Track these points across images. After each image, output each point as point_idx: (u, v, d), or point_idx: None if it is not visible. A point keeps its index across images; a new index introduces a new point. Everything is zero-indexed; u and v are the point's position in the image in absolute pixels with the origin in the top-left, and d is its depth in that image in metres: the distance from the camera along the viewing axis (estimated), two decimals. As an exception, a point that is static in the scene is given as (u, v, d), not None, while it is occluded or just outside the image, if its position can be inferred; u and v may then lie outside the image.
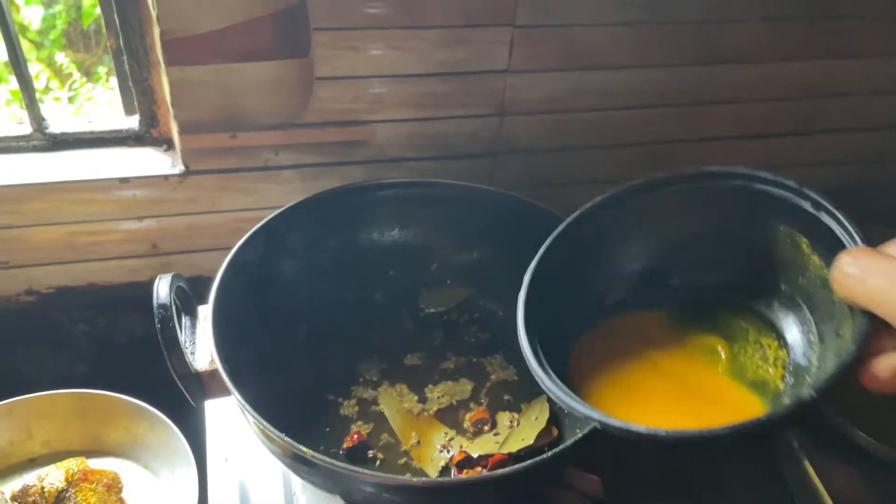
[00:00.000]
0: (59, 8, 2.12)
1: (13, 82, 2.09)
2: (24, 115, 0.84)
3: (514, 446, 0.66)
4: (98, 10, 2.32)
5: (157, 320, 0.60)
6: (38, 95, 2.25)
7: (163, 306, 0.60)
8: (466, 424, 0.72)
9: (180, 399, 0.80)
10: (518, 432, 0.68)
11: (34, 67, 2.13)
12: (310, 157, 0.86)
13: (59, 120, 0.86)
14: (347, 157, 0.87)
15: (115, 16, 0.79)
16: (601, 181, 0.93)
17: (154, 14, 0.73)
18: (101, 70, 2.22)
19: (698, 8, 0.86)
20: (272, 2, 0.74)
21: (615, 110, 0.90)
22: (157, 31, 0.75)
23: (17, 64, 0.80)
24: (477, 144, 0.90)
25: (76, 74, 2.10)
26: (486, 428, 0.70)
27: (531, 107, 0.88)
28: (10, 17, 0.78)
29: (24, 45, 2.11)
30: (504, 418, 0.72)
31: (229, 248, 0.89)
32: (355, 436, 0.69)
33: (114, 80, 2.30)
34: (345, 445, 0.69)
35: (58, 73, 2.18)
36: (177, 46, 0.75)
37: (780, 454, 0.76)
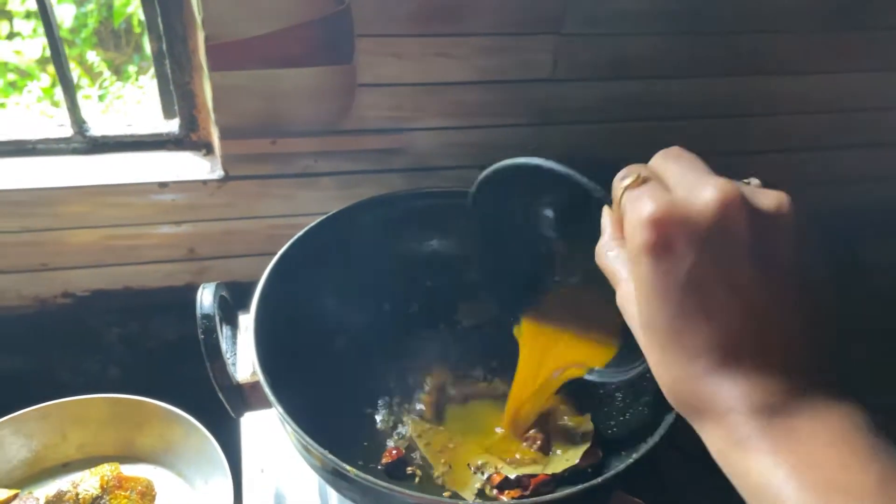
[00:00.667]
0: (90, 7, 2.14)
1: (44, 79, 2.12)
2: (64, 116, 0.84)
3: (558, 467, 0.64)
4: (129, 10, 2.31)
5: (200, 331, 0.59)
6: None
7: (207, 316, 0.60)
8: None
9: (213, 406, 0.80)
10: (562, 452, 0.67)
11: (66, 65, 2.15)
12: (348, 164, 0.85)
13: (99, 122, 0.85)
14: (385, 164, 0.86)
15: (159, 20, 0.78)
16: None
17: (199, 19, 0.73)
18: (131, 69, 2.24)
19: (744, 19, 0.84)
20: (317, 7, 0.74)
21: (658, 121, 0.88)
22: (201, 35, 0.74)
23: (60, 65, 0.80)
24: (516, 153, 0.87)
25: (106, 73, 2.12)
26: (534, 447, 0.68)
27: (573, 116, 0.86)
28: (55, 21, 0.78)
29: (56, 43, 2.13)
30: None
31: (265, 255, 0.89)
32: (394, 451, 0.68)
33: (144, 79, 2.30)
34: (383, 461, 0.68)
35: (88, 71, 2.20)
36: (220, 51, 0.74)
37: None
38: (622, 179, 0.39)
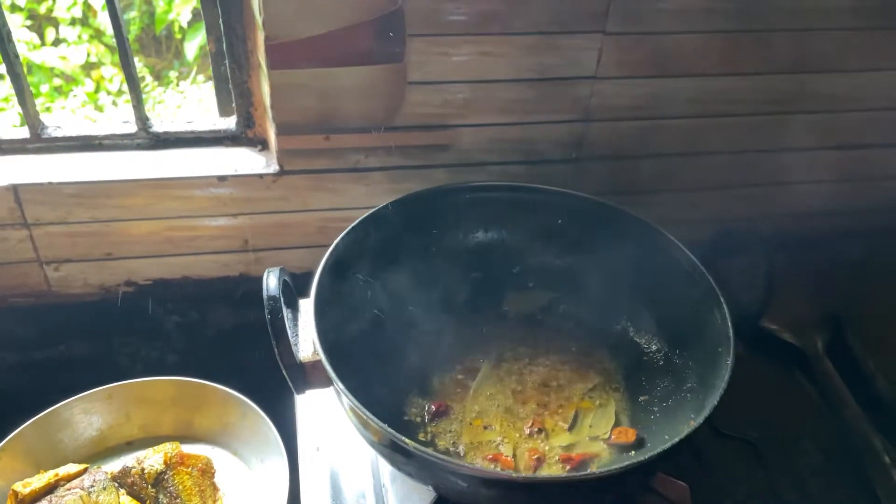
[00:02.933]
0: (133, 14, 2.22)
1: (88, 84, 2.19)
2: (129, 114, 0.88)
3: (581, 434, 0.67)
4: (170, 17, 2.37)
5: (266, 311, 0.63)
6: (112, 99, 2.32)
7: (272, 298, 0.63)
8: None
9: (267, 391, 0.84)
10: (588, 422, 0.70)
11: (108, 70, 2.23)
12: (397, 159, 0.88)
13: (161, 119, 0.90)
14: (432, 160, 0.89)
15: (220, 21, 0.82)
16: (684, 189, 0.94)
17: (259, 20, 0.77)
18: (172, 74, 2.31)
19: (790, 16, 0.85)
20: (371, 8, 0.77)
21: (702, 118, 0.90)
22: (261, 36, 0.78)
23: (127, 65, 0.84)
24: (560, 149, 0.91)
25: (148, 78, 2.19)
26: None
27: (617, 113, 0.88)
28: (124, 25, 0.82)
29: (100, 49, 2.21)
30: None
31: (315, 246, 0.93)
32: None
33: (184, 84, 2.36)
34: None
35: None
36: (279, 51, 0.78)
37: (870, 468, 0.74)
38: None
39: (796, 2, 0.85)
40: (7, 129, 0.87)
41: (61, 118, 2.01)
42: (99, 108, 2.16)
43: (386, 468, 0.73)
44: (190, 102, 2.23)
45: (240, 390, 0.85)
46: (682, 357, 0.74)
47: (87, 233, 0.87)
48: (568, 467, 0.67)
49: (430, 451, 0.58)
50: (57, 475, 0.77)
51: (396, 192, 0.81)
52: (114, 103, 2.22)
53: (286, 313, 0.69)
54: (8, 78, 0.83)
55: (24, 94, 0.84)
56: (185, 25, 2.11)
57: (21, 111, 0.85)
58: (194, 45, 2.08)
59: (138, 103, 0.87)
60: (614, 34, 0.82)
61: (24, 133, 0.87)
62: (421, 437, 0.72)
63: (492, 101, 0.86)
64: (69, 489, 0.76)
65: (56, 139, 0.88)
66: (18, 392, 0.95)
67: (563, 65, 0.84)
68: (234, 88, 0.87)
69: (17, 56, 0.82)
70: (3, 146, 0.87)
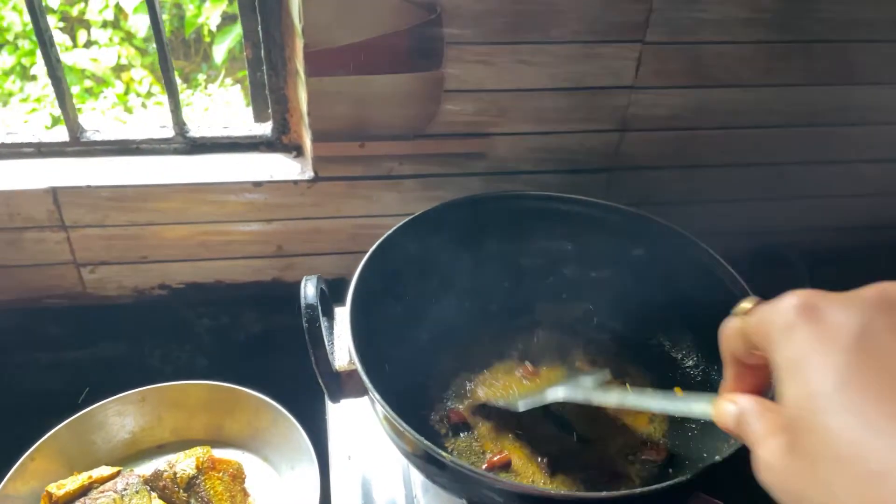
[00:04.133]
0: (163, 17, 2.25)
1: (118, 86, 2.22)
2: (167, 118, 0.89)
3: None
4: (200, 20, 2.40)
5: (304, 320, 0.63)
6: (142, 101, 2.35)
7: (310, 306, 0.63)
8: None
9: (297, 397, 0.84)
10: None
11: (138, 73, 2.26)
12: (431, 167, 0.88)
13: (198, 124, 0.91)
14: (466, 168, 0.89)
15: (259, 28, 0.83)
16: (721, 201, 0.93)
17: (299, 27, 0.77)
18: (200, 77, 2.33)
19: (831, 27, 0.84)
20: (410, 17, 0.77)
21: (741, 129, 0.89)
22: (299, 43, 0.78)
23: (167, 69, 0.85)
24: (595, 159, 0.90)
25: (176, 81, 2.22)
26: None
27: (654, 123, 0.88)
28: (164, 30, 0.83)
29: (130, 51, 2.24)
30: None
31: (348, 253, 0.93)
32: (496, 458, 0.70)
33: (212, 87, 2.38)
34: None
35: (160, 79, 2.30)
36: (318, 58, 0.78)
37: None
38: (738, 308, 0.38)
39: (838, 13, 0.83)
40: (47, 132, 0.88)
41: (91, 119, 2.04)
42: (128, 110, 2.19)
43: (418, 478, 0.73)
44: (217, 105, 2.25)
45: (269, 396, 0.85)
46: (720, 373, 0.72)
47: (124, 236, 0.88)
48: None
49: (465, 464, 0.57)
50: (90, 477, 0.78)
51: (430, 199, 0.81)
52: (143, 105, 2.25)
53: (322, 322, 0.69)
54: (49, 81, 0.84)
55: (64, 98, 0.85)
56: (213, 29, 2.13)
57: (60, 114, 0.86)
58: (223, 48, 2.10)
59: (176, 108, 0.88)
60: (653, 43, 0.81)
61: (63, 136, 0.88)
62: (448, 445, 0.71)
63: (528, 109, 0.85)
64: (102, 492, 0.77)
65: (94, 143, 0.88)
66: (52, 392, 0.96)
67: (601, 74, 0.83)
68: (270, 94, 0.87)
69: (58, 60, 0.83)
70: (42, 149, 0.88)
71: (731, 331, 0.38)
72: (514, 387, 0.76)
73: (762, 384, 0.39)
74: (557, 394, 0.65)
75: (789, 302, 0.33)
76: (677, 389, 0.62)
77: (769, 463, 0.33)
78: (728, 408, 0.38)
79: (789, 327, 0.32)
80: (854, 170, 0.95)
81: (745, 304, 0.37)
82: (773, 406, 0.35)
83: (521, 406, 0.69)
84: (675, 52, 0.83)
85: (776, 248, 0.76)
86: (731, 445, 0.61)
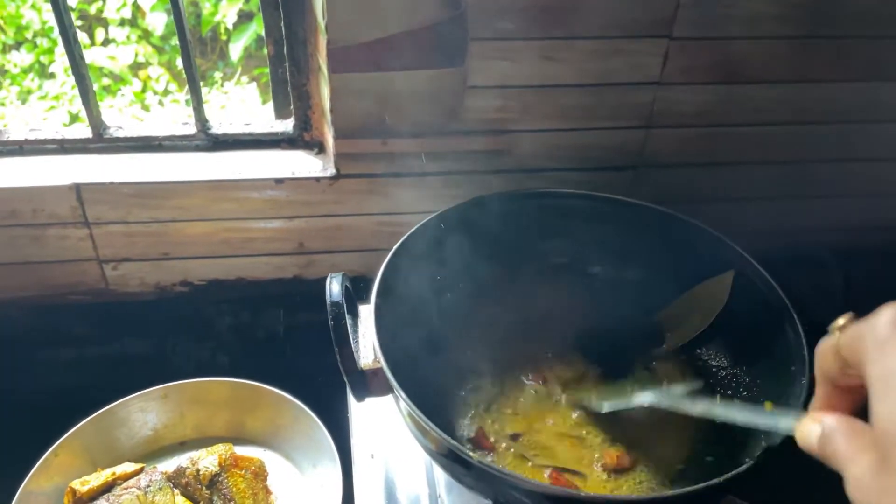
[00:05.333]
0: (182, 15, 2.25)
1: (136, 84, 2.24)
2: (189, 115, 0.89)
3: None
4: (216, 18, 2.40)
5: (329, 318, 0.62)
6: (159, 98, 2.35)
7: (336, 304, 0.63)
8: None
9: (319, 395, 0.84)
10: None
11: (156, 70, 2.27)
12: (454, 164, 0.87)
13: (220, 121, 0.90)
14: (489, 165, 0.88)
15: (282, 24, 0.82)
16: (749, 199, 0.91)
17: (322, 24, 0.76)
18: (217, 75, 2.34)
19: (863, 23, 0.82)
20: (434, 12, 0.76)
21: (769, 125, 0.88)
22: (322, 39, 0.78)
23: (189, 66, 0.85)
24: (620, 156, 0.89)
25: (198, 77, 2.23)
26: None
27: (680, 120, 0.86)
28: (188, 29, 0.83)
29: (147, 49, 2.25)
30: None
31: (370, 250, 0.93)
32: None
33: (228, 85, 2.39)
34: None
35: (177, 77, 2.32)
36: (341, 55, 0.78)
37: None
38: (834, 325, 0.37)
39: (869, 8, 0.82)
40: (70, 129, 0.89)
41: (110, 117, 2.05)
42: (146, 108, 2.20)
43: (442, 477, 0.72)
44: (233, 103, 2.26)
45: (290, 393, 0.85)
46: (750, 375, 0.72)
47: (146, 232, 0.88)
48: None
49: (492, 464, 0.57)
50: (114, 474, 0.78)
51: (452, 197, 0.80)
52: (160, 103, 2.26)
53: (347, 319, 0.68)
54: (73, 78, 0.84)
55: (87, 95, 0.85)
56: (230, 27, 2.14)
57: (77, 111, 0.86)
58: (239, 46, 2.10)
59: (198, 105, 0.88)
60: (681, 39, 0.80)
61: (86, 133, 0.88)
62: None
63: (552, 106, 0.84)
64: (126, 488, 0.77)
65: (117, 139, 0.89)
66: (75, 388, 0.96)
67: (627, 70, 0.82)
68: (292, 91, 0.87)
69: (82, 57, 0.83)
70: (66, 146, 0.88)
71: (825, 349, 0.38)
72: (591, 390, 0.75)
73: (853, 407, 0.38)
74: (644, 399, 0.64)
75: (885, 317, 0.33)
76: (768, 405, 0.62)
77: (860, 481, 0.32)
78: (812, 429, 0.38)
79: (884, 342, 0.32)
80: (886, 168, 0.94)
81: (840, 321, 0.37)
82: (861, 425, 0.35)
83: (606, 407, 0.68)
84: (702, 48, 0.81)
85: (808, 247, 0.74)
86: (762, 449, 0.60)
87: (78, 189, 0.84)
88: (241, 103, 2.27)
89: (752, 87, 0.85)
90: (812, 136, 0.90)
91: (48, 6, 0.79)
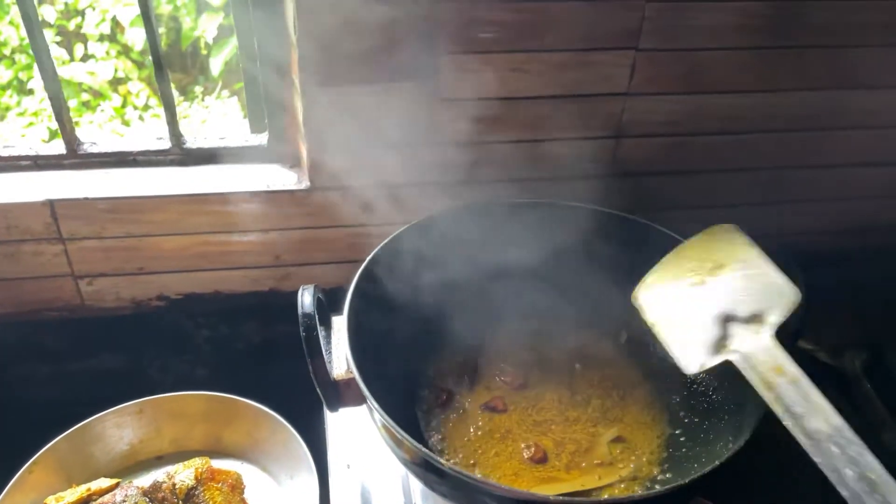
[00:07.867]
0: (160, 30, 2.25)
1: (115, 99, 2.23)
2: (163, 130, 0.90)
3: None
4: (196, 33, 2.40)
5: (301, 329, 0.63)
6: (139, 113, 2.35)
7: (307, 315, 0.63)
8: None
9: (296, 406, 0.84)
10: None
11: (135, 86, 2.26)
12: (428, 176, 0.88)
13: (194, 135, 0.91)
14: (462, 176, 0.89)
15: (255, 41, 0.83)
16: (718, 206, 0.93)
17: (294, 39, 0.77)
18: (197, 89, 2.34)
19: (825, 33, 0.84)
20: (406, 27, 0.78)
21: (735, 134, 0.90)
22: (295, 54, 0.79)
23: (162, 80, 0.85)
24: (591, 166, 0.90)
25: (174, 93, 2.23)
26: None
27: (649, 129, 0.88)
28: (159, 44, 0.83)
29: (127, 64, 2.25)
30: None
31: (345, 262, 0.93)
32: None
33: (209, 99, 2.39)
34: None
35: (157, 91, 2.31)
36: (313, 70, 0.79)
37: None
38: None
39: (831, 18, 0.84)
40: (44, 145, 0.89)
41: (89, 132, 2.05)
42: (126, 123, 2.20)
43: (417, 486, 0.73)
44: (214, 117, 2.26)
45: (268, 405, 0.85)
46: (717, 377, 0.73)
47: (121, 247, 0.88)
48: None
49: (464, 471, 0.57)
50: (89, 489, 0.77)
51: (426, 209, 0.81)
52: (140, 118, 2.26)
53: (320, 331, 0.69)
54: (47, 95, 0.85)
55: (61, 112, 0.85)
56: (210, 42, 2.14)
57: (57, 127, 0.86)
58: (219, 60, 2.11)
59: (172, 120, 0.88)
60: (647, 50, 0.82)
61: (60, 149, 0.88)
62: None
63: (522, 117, 0.86)
64: None
65: (91, 155, 0.89)
66: (51, 404, 0.96)
67: (595, 81, 0.84)
68: (266, 106, 0.88)
69: (55, 74, 0.84)
70: (39, 162, 0.88)
71: None
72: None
73: None
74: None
75: None
76: None
77: None
78: None
79: None
80: (849, 174, 0.96)
81: None
82: None
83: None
84: (668, 59, 0.83)
85: (770, 251, 0.76)
86: (728, 450, 0.61)
87: (52, 205, 0.84)
88: (223, 117, 2.27)
89: (719, 96, 0.87)
90: (778, 143, 0.92)
91: (23, 23, 0.80)
